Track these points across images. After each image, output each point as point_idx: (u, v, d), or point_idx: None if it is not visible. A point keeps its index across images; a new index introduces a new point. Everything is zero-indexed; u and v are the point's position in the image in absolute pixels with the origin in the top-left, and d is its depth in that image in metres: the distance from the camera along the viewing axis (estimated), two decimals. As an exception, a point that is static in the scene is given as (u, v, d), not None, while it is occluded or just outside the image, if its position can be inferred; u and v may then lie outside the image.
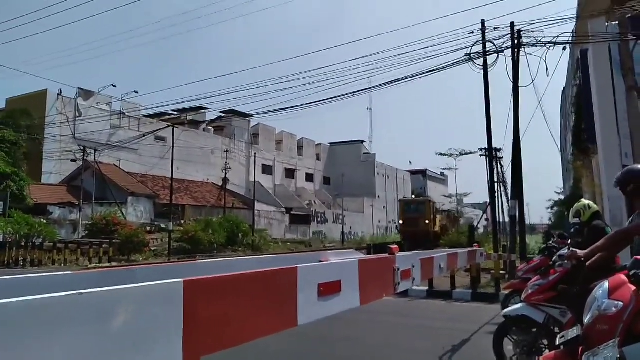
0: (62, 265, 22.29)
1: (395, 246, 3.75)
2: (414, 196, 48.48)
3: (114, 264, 22.88)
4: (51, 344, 1.19)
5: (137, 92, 46.90)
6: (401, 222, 34.65)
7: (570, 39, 15.27)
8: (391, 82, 19.05)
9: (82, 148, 33.59)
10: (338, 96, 29.30)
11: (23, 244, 23.64)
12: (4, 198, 26.83)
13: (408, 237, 31.12)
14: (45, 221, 28.62)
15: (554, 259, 5.00)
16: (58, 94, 38.27)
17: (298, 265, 2.37)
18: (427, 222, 32.12)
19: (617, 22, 12.78)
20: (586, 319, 2.52)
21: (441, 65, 16.49)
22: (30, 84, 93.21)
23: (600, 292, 2.50)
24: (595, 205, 5.27)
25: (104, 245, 24.73)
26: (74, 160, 34.06)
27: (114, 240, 26.00)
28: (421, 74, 16.93)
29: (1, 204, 26.62)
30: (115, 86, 43.83)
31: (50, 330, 1.19)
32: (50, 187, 35.34)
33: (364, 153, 71.01)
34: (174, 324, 1.59)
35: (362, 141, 72.21)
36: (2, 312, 1.11)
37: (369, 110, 79.21)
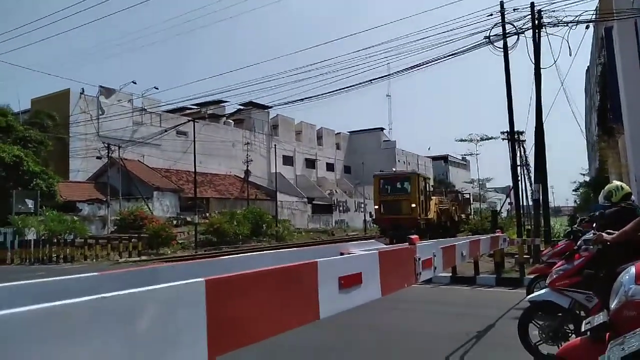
0: (94, 260, 22.88)
1: (416, 236, 3.73)
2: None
3: (143, 257, 23.42)
4: (76, 350, 1.20)
5: (157, 88, 47.62)
6: (376, 207, 24.65)
7: (594, 16, 14.76)
8: (409, 68, 18.85)
9: (106, 145, 34.26)
10: (356, 84, 29.18)
11: (55, 240, 24.34)
12: (34, 197, 27.56)
13: (387, 228, 23.17)
14: (76, 218, 29.40)
15: (578, 243, 4.93)
16: (80, 93, 38.96)
17: (318, 260, 2.38)
18: (413, 205, 22.88)
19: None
20: (613, 305, 2.48)
21: (460, 49, 16.24)
22: (53, 84, 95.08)
23: (627, 277, 2.46)
24: (627, 187, 5.16)
25: (132, 240, 25.29)
26: (99, 158, 34.82)
27: (142, 235, 26.58)
28: (439, 59, 16.73)
29: (32, 202, 27.37)
30: (135, 83, 44.21)
31: (74, 336, 1.20)
32: (78, 184, 36.21)
33: (384, 140, 70.49)
34: (198, 323, 1.59)
35: (382, 128, 71.70)
36: (26, 319, 1.11)
37: (388, 97, 78.50)
